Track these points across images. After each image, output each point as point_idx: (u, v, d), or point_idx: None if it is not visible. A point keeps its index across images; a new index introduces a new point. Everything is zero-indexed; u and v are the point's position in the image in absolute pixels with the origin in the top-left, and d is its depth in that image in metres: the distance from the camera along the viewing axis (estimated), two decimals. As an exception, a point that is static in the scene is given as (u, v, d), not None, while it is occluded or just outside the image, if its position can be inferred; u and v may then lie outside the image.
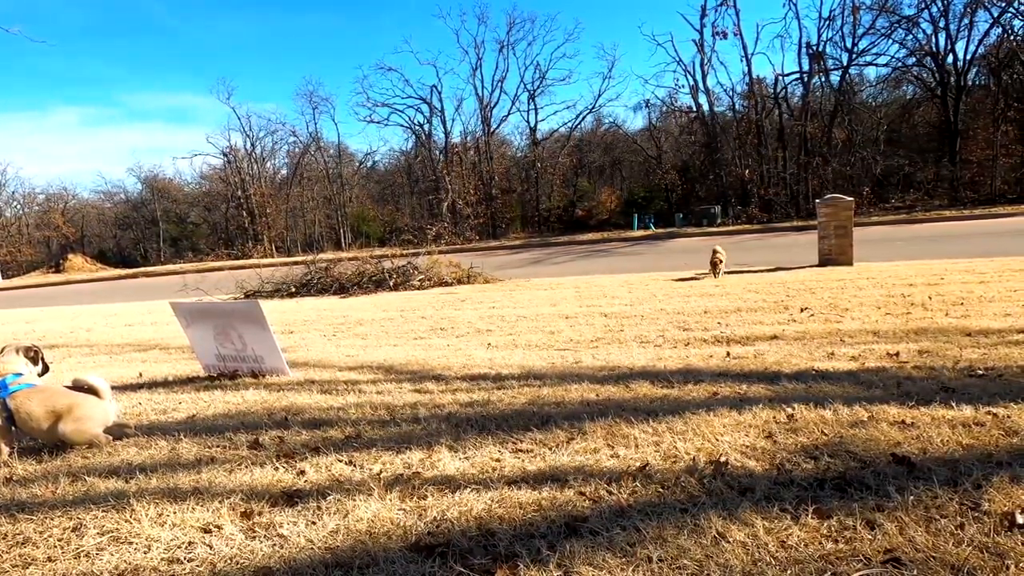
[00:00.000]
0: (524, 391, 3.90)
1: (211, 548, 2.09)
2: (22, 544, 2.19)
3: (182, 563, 2.01)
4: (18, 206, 52.20)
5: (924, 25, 30.28)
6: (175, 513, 2.33)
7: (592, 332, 6.20)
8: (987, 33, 28.96)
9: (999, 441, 2.56)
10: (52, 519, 2.35)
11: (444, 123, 41.72)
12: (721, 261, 10.83)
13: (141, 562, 2.02)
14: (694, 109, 35.22)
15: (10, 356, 3.29)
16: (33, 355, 3.40)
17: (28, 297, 24.64)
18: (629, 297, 8.80)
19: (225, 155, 46.06)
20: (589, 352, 5.21)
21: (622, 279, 11.65)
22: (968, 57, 29.51)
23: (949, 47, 29.49)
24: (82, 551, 2.12)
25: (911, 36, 31.05)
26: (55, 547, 2.16)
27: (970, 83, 30.85)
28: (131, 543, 2.15)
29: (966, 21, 28.85)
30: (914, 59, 31.75)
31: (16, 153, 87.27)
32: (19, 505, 2.50)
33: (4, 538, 2.24)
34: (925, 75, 32.08)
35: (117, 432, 3.37)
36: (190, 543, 2.13)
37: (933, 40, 30.08)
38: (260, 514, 2.31)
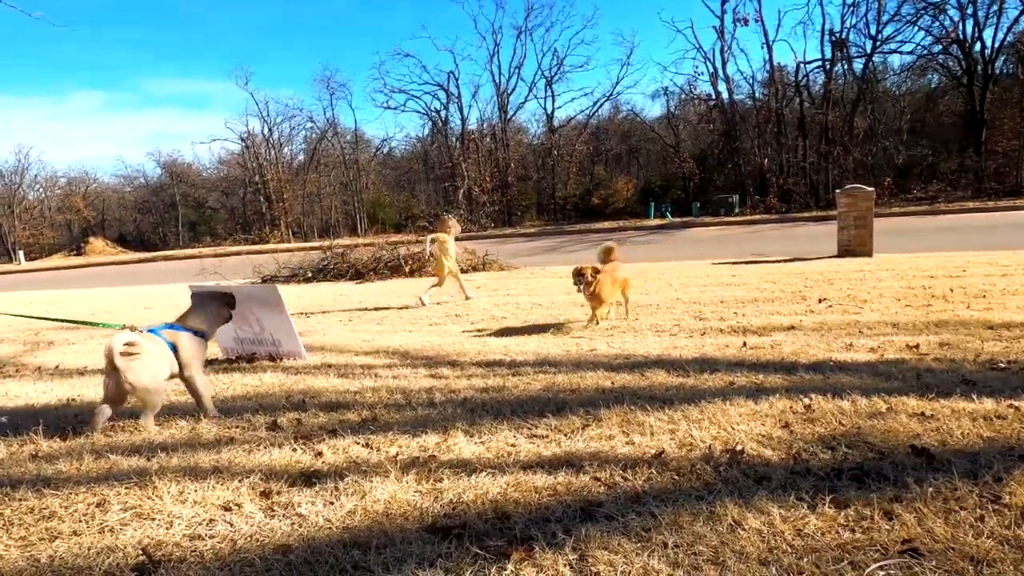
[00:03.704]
0: (539, 378, 3.91)
1: (231, 525, 2.12)
2: (48, 518, 2.24)
3: (203, 539, 2.05)
4: (40, 190, 52.98)
5: (951, 12, 29.56)
6: (196, 491, 2.37)
7: (607, 320, 6.19)
8: (1016, 20, 28.21)
9: (1021, 434, 2.53)
10: (77, 495, 2.41)
11: (461, 110, 41.66)
12: (591, 272, 5.79)
13: (163, 538, 2.06)
14: (713, 97, 34.77)
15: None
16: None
17: (50, 280, 25.06)
18: (644, 286, 8.76)
19: (243, 140, 46.32)
20: (604, 340, 5.20)
21: (638, 268, 11.60)
22: (996, 45, 28.81)
23: (977, 34, 28.81)
24: (106, 526, 2.16)
25: (937, 23, 30.37)
26: (80, 522, 2.20)
27: (997, 72, 30.14)
28: (154, 519, 2.19)
29: (995, 8, 28.15)
30: (940, 47, 31.04)
31: (37, 137, 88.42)
32: (45, 480, 2.56)
33: (31, 512, 2.29)
34: (951, 63, 31.38)
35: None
36: (211, 520, 2.17)
37: (960, 27, 29.38)
38: (279, 493, 2.34)
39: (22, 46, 66.36)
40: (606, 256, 6.25)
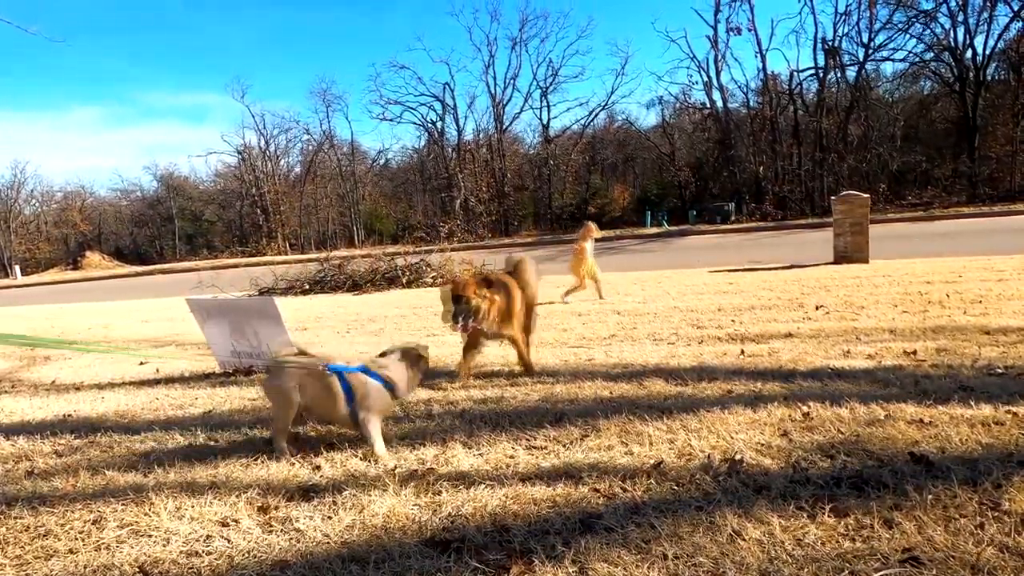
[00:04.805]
0: (537, 388, 3.90)
1: (229, 541, 2.11)
2: (44, 536, 2.23)
3: (200, 556, 2.03)
4: (37, 204, 53.01)
5: (942, 19, 29.90)
6: (193, 507, 2.36)
7: (605, 329, 6.18)
8: (1007, 27, 28.53)
9: (1019, 440, 2.53)
10: (73, 512, 2.39)
11: (457, 121, 41.88)
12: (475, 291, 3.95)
13: (160, 555, 2.05)
14: (708, 106, 34.99)
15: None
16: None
17: (47, 294, 24.98)
18: (642, 295, 8.76)
19: (239, 153, 46.47)
20: (602, 349, 5.19)
21: (635, 276, 11.61)
22: (987, 52, 29.08)
23: (968, 42, 29.11)
24: (102, 543, 2.15)
25: (929, 31, 30.65)
26: (76, 539, 2.19)
27: (989, 78, 30.38)
28: (150, 536, 2.18)
29: (985, 15, 28.45)
30: (932, 54, 31.34)
31: (34, 151, 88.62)
32: (41, 498, 2.54)
33: (27, 530, 2.28)
34: (943, 70, 31.66)
35: None
36: (208, 536, 2.15)
37: (951, 35, 29.70)
38: (277, 508, 2.33)
39: (21, 62, 66.68)
40: (513, 271, 4.46)
